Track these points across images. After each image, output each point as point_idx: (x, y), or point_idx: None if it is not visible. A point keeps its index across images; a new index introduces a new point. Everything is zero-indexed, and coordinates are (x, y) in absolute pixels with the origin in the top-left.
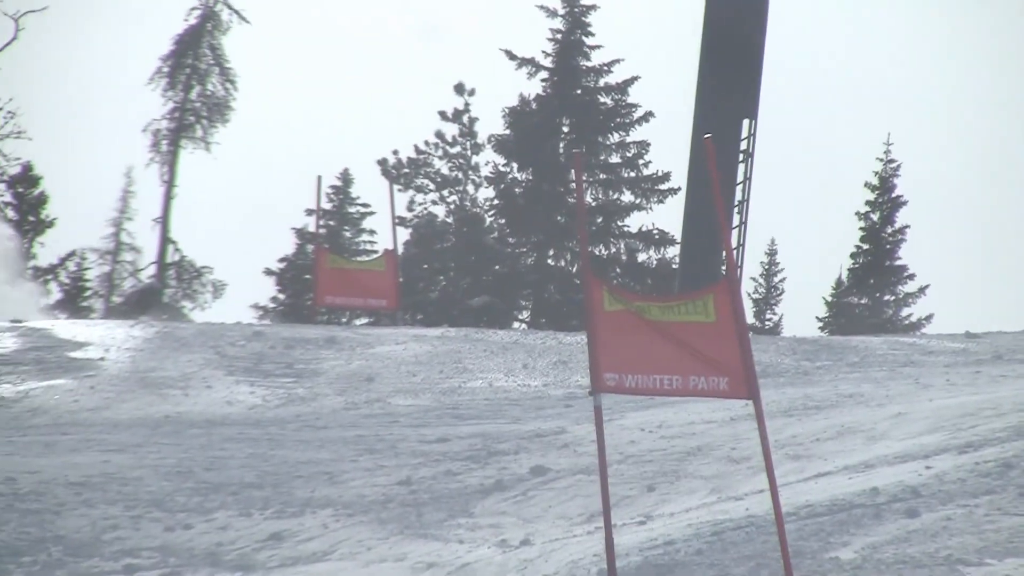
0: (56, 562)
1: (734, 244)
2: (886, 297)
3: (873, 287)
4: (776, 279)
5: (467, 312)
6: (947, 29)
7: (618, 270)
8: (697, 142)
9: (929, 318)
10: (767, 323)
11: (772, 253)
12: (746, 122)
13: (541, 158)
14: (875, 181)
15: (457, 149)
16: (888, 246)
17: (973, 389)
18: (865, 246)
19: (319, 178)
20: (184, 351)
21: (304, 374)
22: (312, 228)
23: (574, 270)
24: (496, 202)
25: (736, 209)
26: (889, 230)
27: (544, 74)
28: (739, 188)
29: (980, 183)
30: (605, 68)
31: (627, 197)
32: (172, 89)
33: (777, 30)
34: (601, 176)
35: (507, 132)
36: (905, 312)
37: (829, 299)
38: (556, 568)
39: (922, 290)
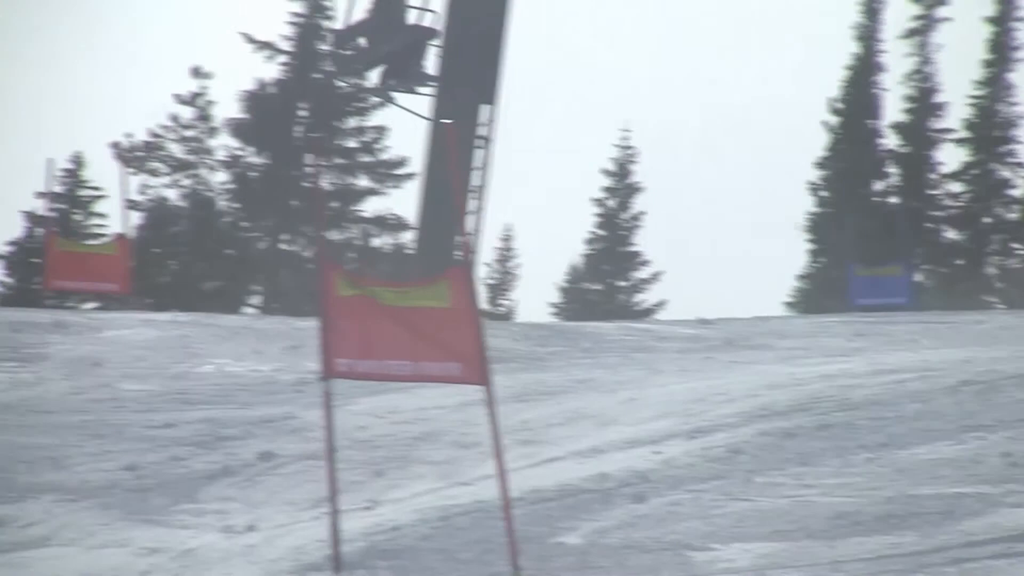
0: None
1: (470, 230)
2: (620, 283)
3: (607, 273)
4: (511, 265)
5: (199, 296)
6: (685, 18)
7: (353, 255)
8: (435, 127)
9: (662, 304)
10: (501, 309)
11: (508, 239)
12: (485, 108)
13: (278, 142)
14: (612, 167)
15: (193, 132)
16: (623, 232)
17: (704, 375)
18: (601, 232)
19: (49, 160)
20: None
21: (30, 358)
22: (42, 211)
23: (309, 255)
24: (231, 186)
25: (473, 195)
26: (625, 216)
27: (283, 58)
28: (476, 174)
29: (714, 171)
30: (344, 52)
31: (363, 182)
32: None
33: (519, 14)
34: (338, 161)
35: (244, 116)
36: (639, 298)
37: (563, 285)
38: (281, 553)
39: (656, 276)
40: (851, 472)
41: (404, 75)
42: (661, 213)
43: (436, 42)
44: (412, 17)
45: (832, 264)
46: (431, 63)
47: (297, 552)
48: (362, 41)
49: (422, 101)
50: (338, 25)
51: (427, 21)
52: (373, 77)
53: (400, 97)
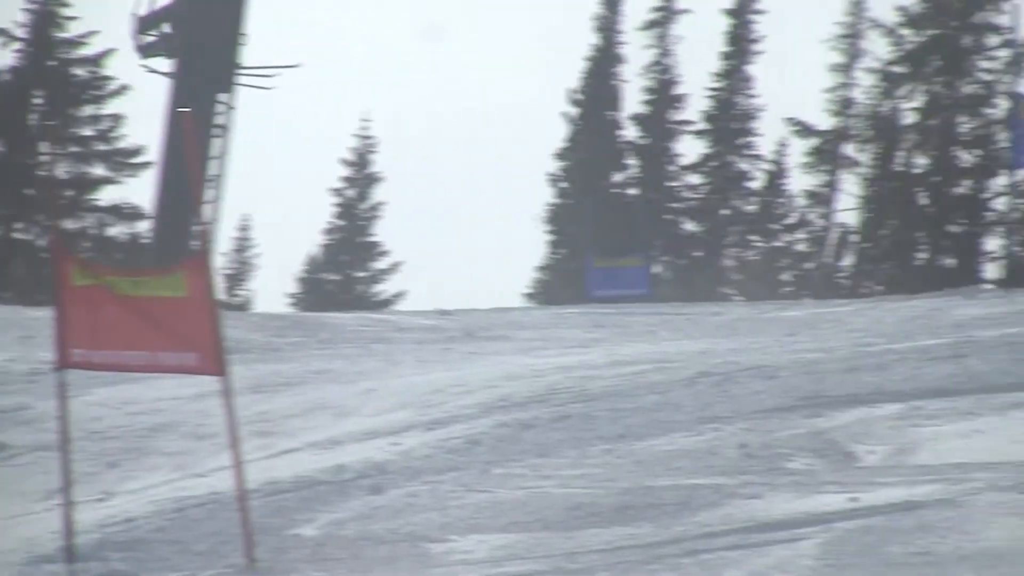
0: None
1: (207, 219)
2: (359, 274)
3: (346, 264)
4: (248, 255)
5: None
6: (426, 7)
7: (88, 244)
8: (173, 116)
9: (401, 295)
10: (238, 299)
11: (245, 228)
12: (222, 96)
13: (12, 130)
14: (351, 157)
15: None
16: (362, 223)
17: (443, 366)
18: (339, 222)
19: None
20: None
21: None
22: None
23: (43, 244)
24: None
25: (210, 184)
26: (364, 207)
27: (17, 45)
28: (214, 163)
29: (453, 162)
30: (80, 40)
31: (99, 171)
32: None
33: (257, 2)
34: (73, 149)
35: None
36: (377, 289)
37: (301, 275)
38: (14, 545)
39: (395, 267)
40: (588, 463)
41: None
42: (400, 203)
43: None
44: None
45: (571, 255)
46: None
47: (30, 543)
48: (165, 27)
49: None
50: (141, 10)
51: None
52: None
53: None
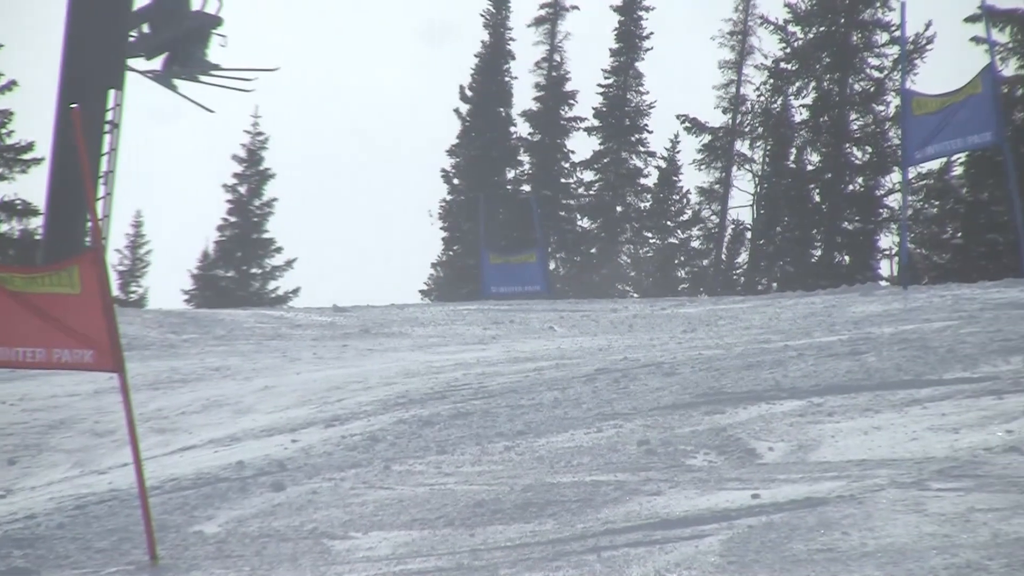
0: None
1: (100, 215)
2: (254, 270)
3: (240, 260)
4: (142, 251)
5: None
6: (319, 4)
7: None
8: (63, 111)
9: (297, 291)
10: (133, 295)
11: (138, 225)
12: (112, 92)
13: None
14: (243, 153)
15: None
16: (256, 219)
17: (341, 363)
18: (232, 219)
19: None
20: None
21: None
22: None
23: None
24: None
25: (102, 180)
26: (257, 203)
27: None
28: (105, 159)
29: (347, 156)
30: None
31: None
32: None
33: None
34: None
35: None
36: (273, 285)
37: (196, 272)
38: None
39: (290, 263)
40: (489, 460)
41: (186, 62)
42: (293, 200)
43: (220, 30)
44: (196, 4)
45: (466, 252)
46: (214, 51)
47: None
48: (145, 27)
49: (203, 89)
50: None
51: (210, 8)
52: (155, 64)
53: (182, 85)
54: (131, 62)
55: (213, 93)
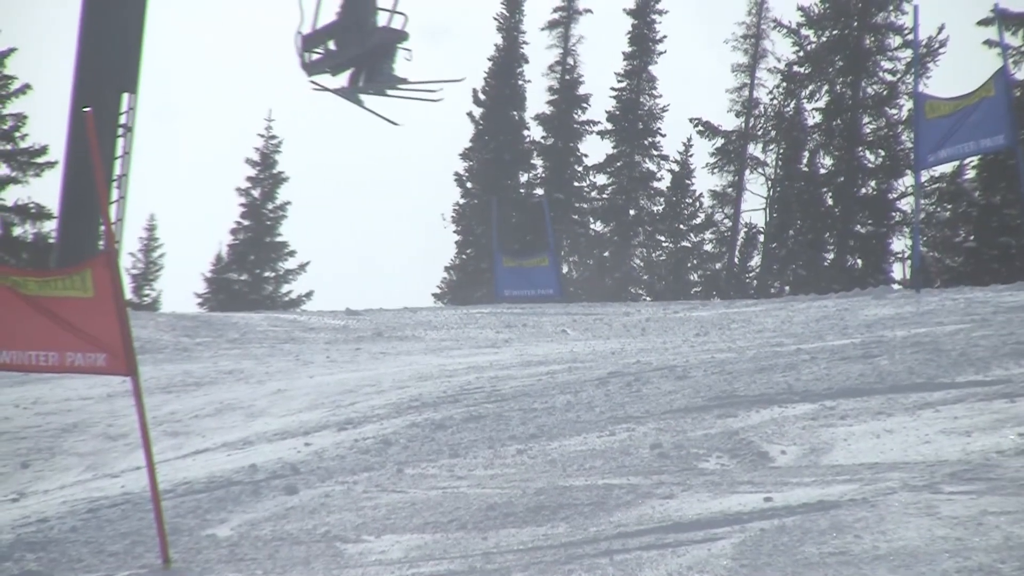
0: None
1: (113, 219)
2: (267, 273)
3: (253, 263)
4: (155, 255)
5: None
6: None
7: None
8: (76, 115)
9: (310, 295)
10: (146, 299)
11: (152, 228)
12: (125, 96)
13: None
14: (256, 157)
15: None
16: (269, 222)
17: (354, 366)
18: (246, 222)
19: None
20: None
21: None
22: None
23: None
24: None
25: (115, 183)
26: (270, 206)
27: None
28: (118, 162)
29: (360, 161)
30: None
31: (3, 170)
32: None
33: (162, 1)
34: None
35: None
36: (286, 288)
37: (209, 275)
38: None
39: (303, 267)
40: (502, 463)
41: (374, 78)
42: (307, 203)
43: (406, 44)
44: (381, 19)
45: (479, 255)
46: (400, 65)
47: None
48: (331, 44)
49: (391, 103)
50: (305, 28)
51: (396, 24)
52: (341, 79)
53: (368, 99)
54: (316, 78)
55: (397, 104)
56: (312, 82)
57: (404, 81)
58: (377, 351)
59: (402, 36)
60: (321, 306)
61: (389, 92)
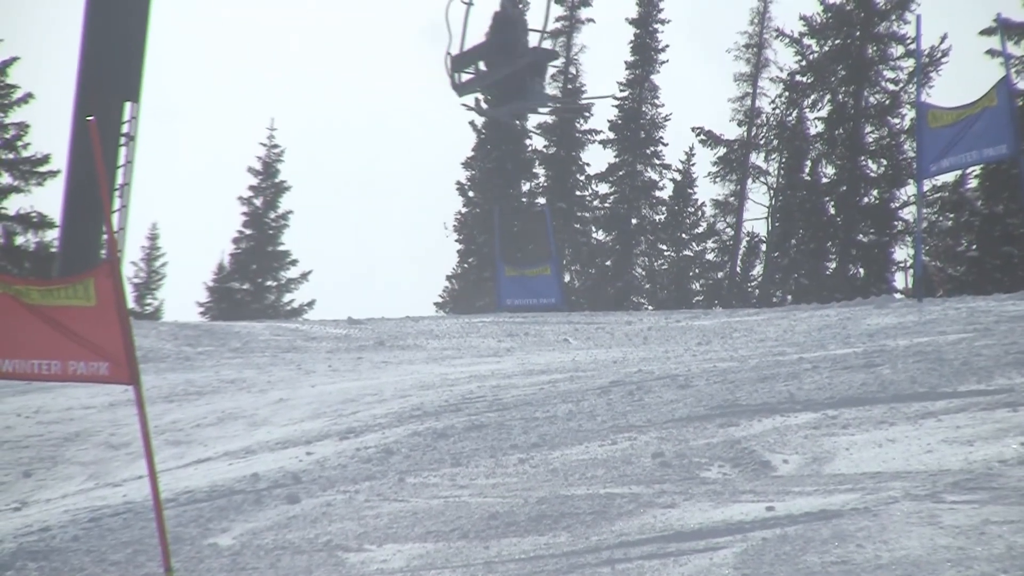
0: None
1: (115, 227)
2: (269, 282)
3: (256, 272)
4: (158, 264)
5: None
6: (336, 15)
7: None
8: (79, 124)
9: (312, 304)
10: (148, 308)
11: (154, 237)
12: (128, 105)
13: None
14: (258, 166)
15: None
16: (271, 231)
17: (355, 375)
18: (248, 231)
19: None
20: None
21: None
22: None
23: None
24: None
25: (117, 192)
26: (272, 215)
27: None
28: (121, 171)
29: (361, 169)
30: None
31: (5, 179)
32: None
33: (163, 10)
34: None
35: None
36: (288, 297)
37: (211, 284)
38: None
39: (305, 276)
40: (504, 472)
41: (526, 97)
42: (309, 212)
43: (556, 63)
44: (532, 41)
45: (481, 264)
46: (548, 84)
47: None
48: (481, 64)
49: (539, 119)
50: (454, 49)
51: (546, 44)
52: (490, 98)
53: (520, 118)
54: (466, 99)
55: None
56: (464, 104)
57: (555, 99)
58: (379, 360)
59: (552, 55)
60: (323, 315)
61: (540, 110)
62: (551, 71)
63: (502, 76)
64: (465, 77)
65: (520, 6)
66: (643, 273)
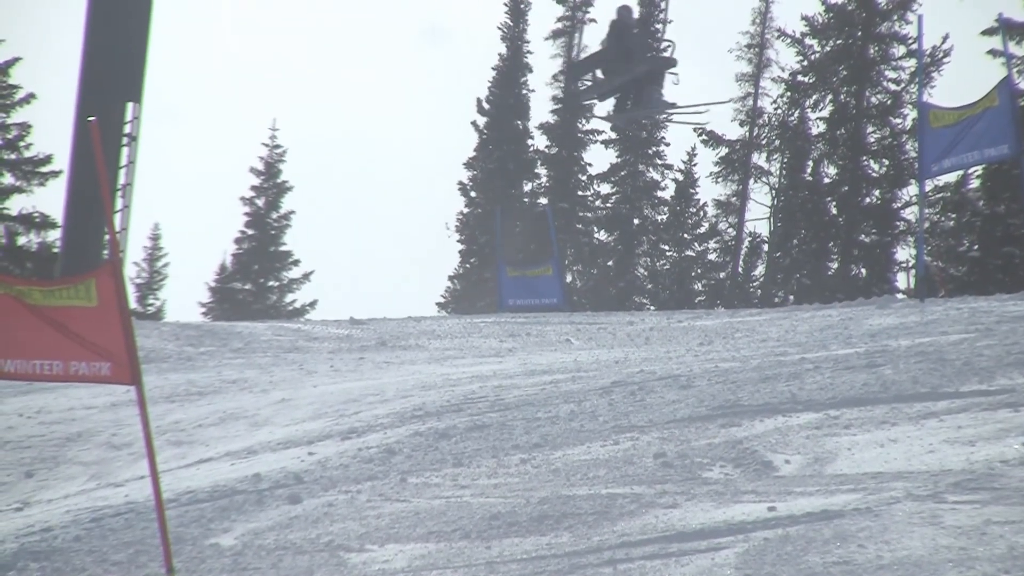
0: None
1: (117, 228)
2: (271, 283)
3: (258, 272)
4: (159, 264)
5: None
6: (337, 15)
7: None
8: (81, 124)
9: (314, 304)
10: (150, 308)
11: (156, 238)
12: (130, 105)
13: None
14: (260, 166)
15: None
16: (273, 232)
17: (357, 375)
18: (250, 231)
19: None
20: None
21: None
22: None
23: None
24: None
25: (119, 193)
26: (274, 216)
27: None
28: (123, 171)
29: (362, 170)
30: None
31: (8, 180)
32: None
33: (165, 10)
34: None
35: None
36: (290, 298)
37: (213, 285)
38: None
39: (307, 276)
40: (505, 473)
41: (645, 104)
42: (311, 212)
43: (675, 71)
44: (650, 48)
45: (483, 264)
46: (668, 91)
47: None
48: (599, 72)
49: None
50: (572, 58)
51: (665, 52)
52: (608, 106)
53: (636, 125)
54: (587, 105)
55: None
56: (585, 114)
57: (673, 106)
58: (381, 360)
59: (670, 63)
60: (325, 315)
61: (659, 117)
62: (671, 77)
63: (618, 84)
64: (584, 85)
65: (636, 16)
66: (645, 273)
